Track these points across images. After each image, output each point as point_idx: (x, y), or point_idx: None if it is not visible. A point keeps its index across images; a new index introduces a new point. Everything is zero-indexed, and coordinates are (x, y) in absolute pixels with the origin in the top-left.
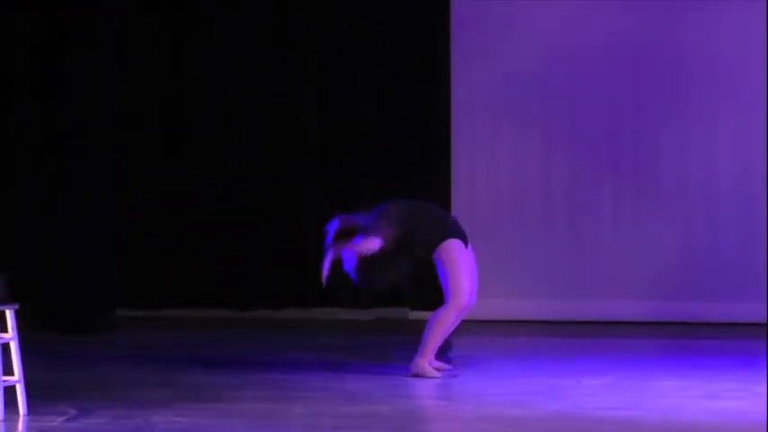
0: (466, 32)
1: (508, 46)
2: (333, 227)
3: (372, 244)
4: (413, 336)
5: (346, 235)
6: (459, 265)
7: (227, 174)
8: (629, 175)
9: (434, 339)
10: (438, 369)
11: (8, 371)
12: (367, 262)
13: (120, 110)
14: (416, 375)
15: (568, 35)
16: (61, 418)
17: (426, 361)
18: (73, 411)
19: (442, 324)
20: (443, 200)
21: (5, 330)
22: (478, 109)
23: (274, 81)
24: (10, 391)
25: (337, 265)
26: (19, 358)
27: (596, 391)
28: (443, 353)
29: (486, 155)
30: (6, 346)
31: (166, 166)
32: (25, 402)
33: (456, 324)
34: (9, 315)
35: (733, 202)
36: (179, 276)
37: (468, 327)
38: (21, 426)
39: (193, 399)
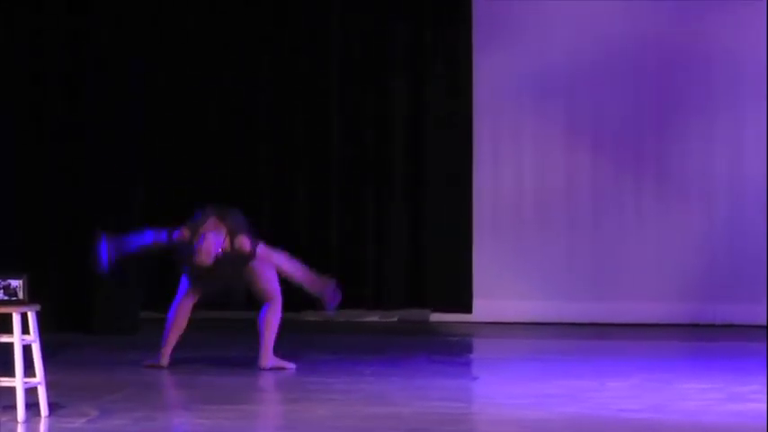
0: (487, 30)
1: (530, 44)
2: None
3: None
4: (434, 337)
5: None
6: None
7: (252, 176)
8: (653, 176)
9: (273, 336)
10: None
11: (30, 372)
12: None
13: (150, 116)
14: (274, 369)
15: (590, 32)
16: (83, 420)
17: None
18: (95, 413)
19: (276, 322)
20: (465, 199)
21: (27, 332)
22: (501, 107)
23: (295, 89)
24: (32, 393)
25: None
26: (40, 360)
27: (618, 393)
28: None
29: (509, 155)
30: (28, 348)
31: (191, 169)
32: (47, 404)
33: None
34: (30, 317)
35: (758, 202)
36: None
37: (490, 329)
38: (42, 427)
39: (216, 400)
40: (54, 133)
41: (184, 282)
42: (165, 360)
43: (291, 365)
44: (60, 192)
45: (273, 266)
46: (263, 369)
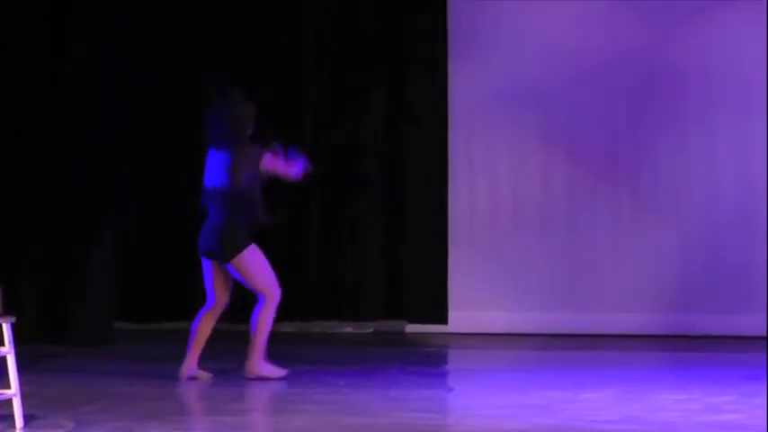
0: (463, 42)
1: (506, 55)
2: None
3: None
4: (410, 348)
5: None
6: (261, 263)
7: None
8: (628, 186)
9: (263, 339)
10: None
11: (5, 384)
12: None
13: (132, 122)
14: (260, 378)
15: (566, 44)
16: None
17: (260, 362)
18: (71, 424)
19: (267, 322)
20: (440, 210)
21: (2, 343)
22: (476, 119)
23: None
24: (7, 405)
25: None
26: (16, 371)
27: (594, 404)
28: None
29: (484, 166)
30: (3, 360)
31: (169, 179)
32: (22, 416)
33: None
34: (5, 328)
35: (732, 213)
36: (178, 289)
37: (466, 340)
38: None
39: (193, 411)
40: (34, 143)
41: (209, 284)
42: (184, 372)
43: (283, 372)
44: (38, 201)
45: (264, 255)
46: (248, 379)
